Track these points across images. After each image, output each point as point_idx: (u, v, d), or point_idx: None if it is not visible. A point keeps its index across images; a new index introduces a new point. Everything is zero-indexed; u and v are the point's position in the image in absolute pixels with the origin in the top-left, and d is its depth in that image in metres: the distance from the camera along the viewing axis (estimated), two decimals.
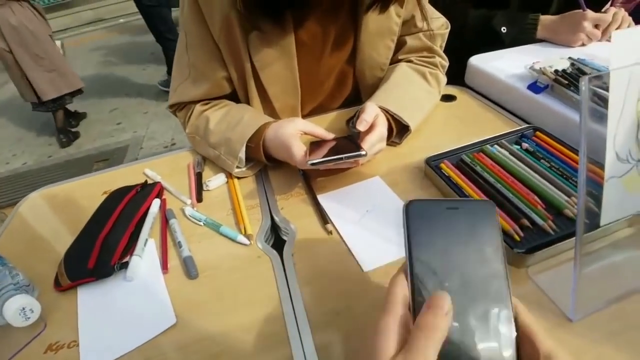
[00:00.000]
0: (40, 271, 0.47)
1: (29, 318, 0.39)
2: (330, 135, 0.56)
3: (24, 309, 0.39)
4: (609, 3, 0.88)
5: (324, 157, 0.49)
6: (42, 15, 2.29)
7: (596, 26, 0.80)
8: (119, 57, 4.10)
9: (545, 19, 0.84)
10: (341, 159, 0.48)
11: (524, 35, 0.86)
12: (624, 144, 0.31)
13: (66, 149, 2.50)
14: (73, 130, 2.63)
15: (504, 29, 0.86)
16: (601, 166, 0.32)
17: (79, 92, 2.52)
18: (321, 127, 0.57)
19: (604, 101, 0.30)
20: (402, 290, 0.26)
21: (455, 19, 0.71)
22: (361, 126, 0.52)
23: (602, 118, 0.31)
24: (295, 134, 0.54)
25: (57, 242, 0.52)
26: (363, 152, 0.49)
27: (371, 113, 0.53)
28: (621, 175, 0.32)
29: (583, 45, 0.81)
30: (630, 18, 0.82)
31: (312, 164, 0.48)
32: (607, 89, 0.29)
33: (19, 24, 2.11)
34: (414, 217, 0.28)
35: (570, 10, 0.82)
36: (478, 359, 0.24)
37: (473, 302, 0.25)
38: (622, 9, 0.82)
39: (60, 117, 2.50)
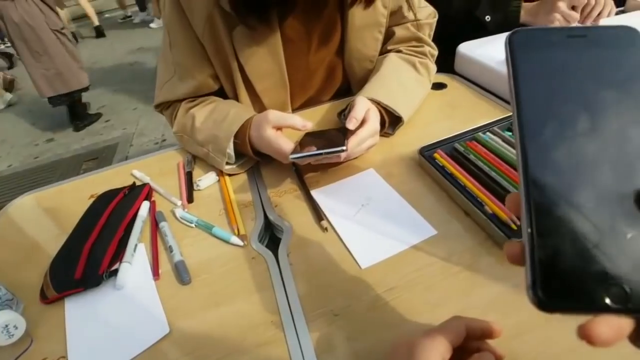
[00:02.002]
0: (25, 281, 0.45)
1: (12, 335, 0.38)
2: (308, 124, 0.53)
3: (7, 325, 0.37)
4: None
5: (304, 152, 0.48)
6: (52, 9, 2.25)
7: (573, 8, 0.79)
8: (105, 52, 3.99)
9: (526, 4, 0.85)
10: (321, 154, 0.48)
11: (508, 21, 0.86)
12: None
13: (53, 149, 2.44)
14: (90, 113, 2.66)
15: (488, 18, 0.87)
16: None
17: (85, 88, 2.51)
18: (301, 117, 0.53)
19: None
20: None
21: (439, 7, 0.70)
22: (350, 124, 0.51)
23: None
24: (277, 133, 0.53)
25: (43, 250, 0.50)
26: (343, 147, 0.47)
27: (361, 109, 0.52)
28: None
29: (561, 26, 0.81)
30: (612, 3, 0.82)
31: (293, 159, 0.48)
32: None
33: (20, 20, 2.11)
34: (523, 51, 0.20)
35: None
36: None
37: (615, 176, 0.17)
38: None
39: (73, 109, 2.57)
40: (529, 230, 0.17)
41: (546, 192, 0.18)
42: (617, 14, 0.86)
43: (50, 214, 0.57)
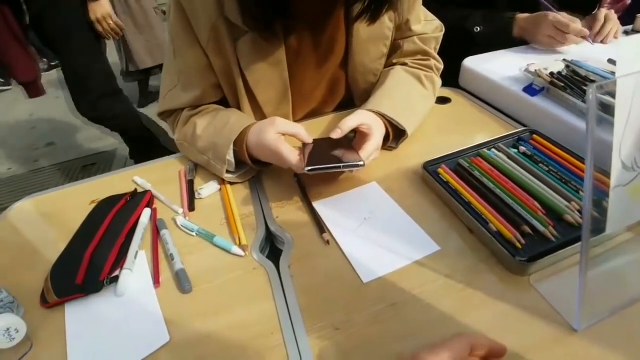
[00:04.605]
0: (26, 286, 0.45)
1: (14, 339, 0.37)
2: (310, 138, 0.54)
3: (8, 329, 0.37)
4: (598, 5, 0.89)
5: (321, 164, 0.48)
6: None
7: (594, 27, 0.79)
8: (107, 55, 4.03)
9: (519, 18, 0.83)
10: (339, 167, 0.47)
11: (500, 35, 0.85)
12: (629, 152, 0.31)
13: (52, 153, 2.45)
14: (153, 92, 2.81)
15: (477, 29, 0.85)
16: (602, 172, 0.31)
17: None
18: (305, 130, 0.54)
19: (603, 107, 0.30)
20: None
21: (441, 20, 0.71)
22: (334, 134, 0.51)
23: (602, 124, 0.30)
24: (279, 137, 0.52)
25: (44, 255, 0.50)
26: (361, 163, 0.48)
27: (350, 122, 0.52)
28: (626, 184, 0.32)
29: (551, 46, 0.80)
30: (618, 22, 0.82)
31: (310, 170, 0.47)
32: (609, 96, 0.29)
33: None
34: None
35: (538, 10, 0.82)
36: None
37: None
38: (612, 11, 0.83)
39: (144, 85, 2.79)
40: None
41: None
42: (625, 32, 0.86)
43: (51, 218, 0.57)
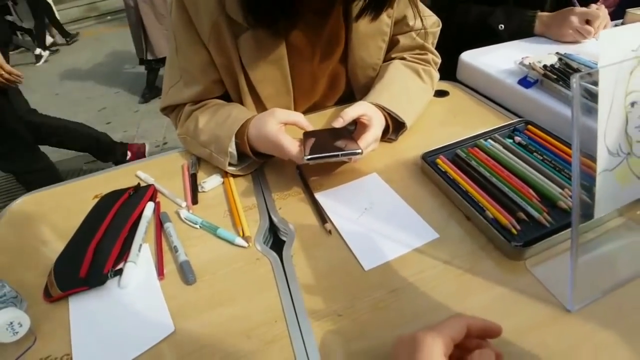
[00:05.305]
0: (28, 281, 0.46)
1: (17, 332, 0.38)
2: (309, 126, 0.55)
3: (11, 323, 0.37)
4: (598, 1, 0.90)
5: (320, 152, 0.48)
6: None
7: (587, 22, 0.81)
8: (108, 54, 4.00)
9: (542, 15, 0.86)
10: (337, 155, 0.48)
11: (522, 32, 0.88)
12: (614, 138, 0.32)
13: (53, 150, 2.43)
14: (159, 87, 2.85)
15: (501, 27, 0.88)
16: (592, 158, 0.32)
17: None
18: (307, 120, 0.55)
19: (592, 96, 0.31)
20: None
21: (457, 16, 0.72)
22: (336, 123, 0.52)
23: (590, 112, 0.31)
24: (280, 127, 0.53)
25: (46, 250, 0.50)
26: (359, 151, 0.49)
27: (351, 111, 0.53)
28: (612, 168, 0.33)
29: (575, 40, 0.82)
30: (608, 17, 0.84)
31: (309, 159, 0.48)
32: (596, 85, 0.30)
33: None
34: None
35: (563, 7, 0.84)
36: None
37: None
38: (603, 6, 0.85)
39: (153, 76, 2.83)
40: None
41: None
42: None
43: (53, 214, 0.57)
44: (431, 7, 0.70)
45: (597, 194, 0.33)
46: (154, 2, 2.43)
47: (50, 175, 1.54)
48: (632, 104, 0.33)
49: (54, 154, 2.38)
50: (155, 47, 2.57)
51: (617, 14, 0.91)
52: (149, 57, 2.61)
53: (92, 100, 3.02)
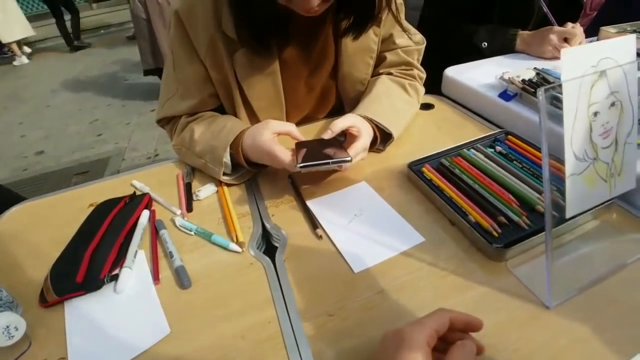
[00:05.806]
0: (23, 287, 0.46)
1: (13, 337, 0.38)
2: (301, 136, 0.57)
3: (7, 327, 0.38)
4: (580, 17, 0.97)
5: (312, 161, 0.51)
6: None
7: (566, 40, 0.87)
8: (100, 66, 4.03)
9: (522, 33, 0.92)
10: (328, 163, 0.51)
11: (504, 50, 0.93)
12: (580, 145, 0.35)
13: (42, 162, 2.42)
14: None
15: (484, 44, 0.94)
16: (563, 163, 0.35)
17: None
18: (299, 131, 0.58)
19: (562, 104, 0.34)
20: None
21: (443, 35, 0.76)
22: (325, 135, 0.55)
23: (560, 120, 0.34)
24: (273, 138, 0.55)
25: (41, 257, 0.50)
26: (348, 158, 0.51)
27: (340, 123, 0.56)
28: (580, 173, 0.36)
29: (554, 56, 0.88)
30: (584, 35, 0.90)
31: (301, 167, 0.50)
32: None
33: (163, 1, 2.50)
34: None
35: (543, 27, 0.90)
36: None
37: None
38: (578, 24, 0.90)
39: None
40: None
41: None
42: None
43: (47, 222, 0.58)
44: (419, 26, 0.74)
45: (567, 196, 0.36)
46: (163, 13, 2.54)
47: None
48: (595, 114, 0.36)
49: (40, 165, 2.37)
50: (164, 57, 2.66)
51: (591, 32, 0.97)
52: (159, 65, 2.68)
53: (83, 112, 3.03)
